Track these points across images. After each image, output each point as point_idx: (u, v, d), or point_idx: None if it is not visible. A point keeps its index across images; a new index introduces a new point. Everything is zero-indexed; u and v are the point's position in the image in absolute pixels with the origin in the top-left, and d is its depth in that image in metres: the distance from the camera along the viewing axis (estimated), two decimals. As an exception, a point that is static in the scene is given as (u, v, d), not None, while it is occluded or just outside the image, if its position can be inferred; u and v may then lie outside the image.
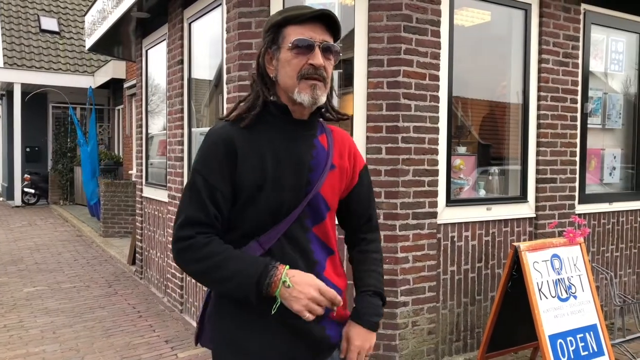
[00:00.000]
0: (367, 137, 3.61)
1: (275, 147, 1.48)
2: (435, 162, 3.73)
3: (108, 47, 7.71)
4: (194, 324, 4.74)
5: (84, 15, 8.30)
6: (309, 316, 1.37)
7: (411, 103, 3.60)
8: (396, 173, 3.58)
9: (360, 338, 1.55)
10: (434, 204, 3.74)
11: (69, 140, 14.26)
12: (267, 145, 1.47)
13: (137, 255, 6.55)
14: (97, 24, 6.95)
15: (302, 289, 1.36)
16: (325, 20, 1.47)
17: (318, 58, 1.44)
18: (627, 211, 4.92)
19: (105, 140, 15.41)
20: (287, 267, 1.40)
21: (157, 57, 5.81)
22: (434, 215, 3.74)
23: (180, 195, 4.92)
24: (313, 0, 3.80)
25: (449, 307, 3.91)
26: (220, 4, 4.12)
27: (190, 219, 1.43)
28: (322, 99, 1.48)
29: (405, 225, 3.61)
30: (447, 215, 3.84)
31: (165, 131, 5.50)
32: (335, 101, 1.59)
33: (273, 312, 1.38)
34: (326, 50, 1.46)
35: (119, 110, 14.45)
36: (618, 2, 4.69)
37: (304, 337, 1.49)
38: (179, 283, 5.05)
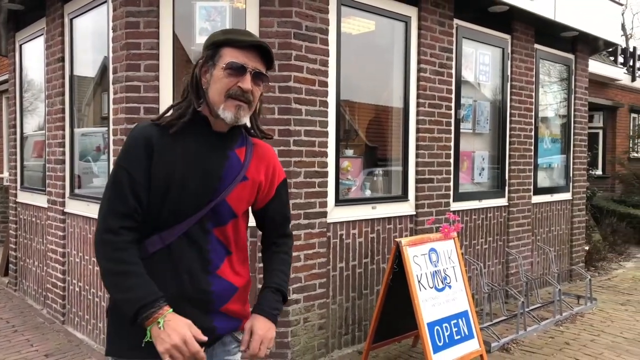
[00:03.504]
0: (259, 140, 3.69)
1: (188, 154, 1.60)
2: (325, 164, 3.90)
3: (-27, 39, 7.02)
4: (78, 334, 4.50)
5: (-56, 2, 7.46)
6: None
7: (302, 108, 3.74)
8: (288, 175, 3.69)
9: (263, 328, 1.68)
10: (324, 204, 3.91)
11: None
12: (181, 151, 1.60)
13: (10, 265, 6.04)
14: (-41, 12, 6.31)
15: (170, 333, 1.46)
16: (261, 50, 1.63)
17: (247, 83, 1.59)
18: (493, 207, 5.48)
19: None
20: (171, 310, 1.50)
21: (33, 53, 5.41)
22: (324, 214, 3.91)
23: (62, 200, 4.66)
24: (203, 2, 3.79)
25: (338, 302, 4.11)
26: (105, 1, 3.97)
27: (113, 211, 1.55)
28: (244, 120, 1.64)
29: (297, 225, 3.74)
30: (336, 214, 4.03)
31: (43, 131, 5.15)
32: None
33: (143, 345, 1.49)
34: (256, 77, 1.62)
35: (-15, 107, 13.13)
36: (484, 19, 5.22)
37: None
38: (61, 293, 4.76)
